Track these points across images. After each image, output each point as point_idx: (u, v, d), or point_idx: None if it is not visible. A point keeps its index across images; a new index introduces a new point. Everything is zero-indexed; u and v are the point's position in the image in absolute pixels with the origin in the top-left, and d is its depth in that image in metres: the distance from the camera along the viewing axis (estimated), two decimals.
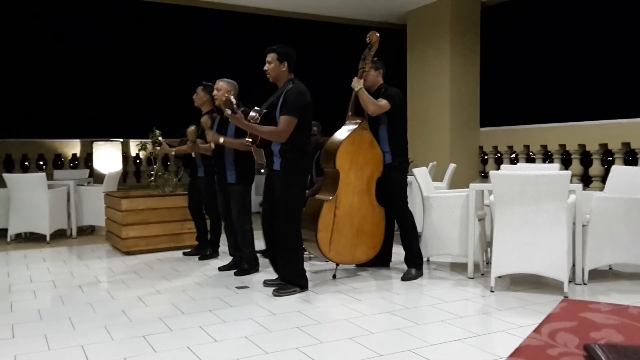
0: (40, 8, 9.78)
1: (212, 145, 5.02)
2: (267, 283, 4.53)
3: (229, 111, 4.18)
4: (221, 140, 4.78)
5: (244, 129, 4.29)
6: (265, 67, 4.31)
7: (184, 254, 5.99)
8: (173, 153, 5.90)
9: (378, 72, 4.89)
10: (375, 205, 4.83)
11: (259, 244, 5.30)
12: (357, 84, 4.75)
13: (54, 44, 9.87)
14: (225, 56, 10.20)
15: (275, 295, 4.24)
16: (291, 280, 4.33)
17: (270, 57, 4.27)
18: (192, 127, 5.43)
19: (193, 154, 5.62)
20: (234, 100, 4.26)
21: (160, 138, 5.93)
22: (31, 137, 9.14)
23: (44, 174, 6.90)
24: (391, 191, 4.85)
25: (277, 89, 4.38)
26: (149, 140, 6.05)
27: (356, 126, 4.76)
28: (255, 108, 4.34)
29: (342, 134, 4.78)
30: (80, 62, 10.11)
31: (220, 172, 5.07)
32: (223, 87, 5.00)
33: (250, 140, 4.33)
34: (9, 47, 9.50)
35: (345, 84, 4.89)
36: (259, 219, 4.61)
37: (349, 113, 4.90)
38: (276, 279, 4.52)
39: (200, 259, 5.76)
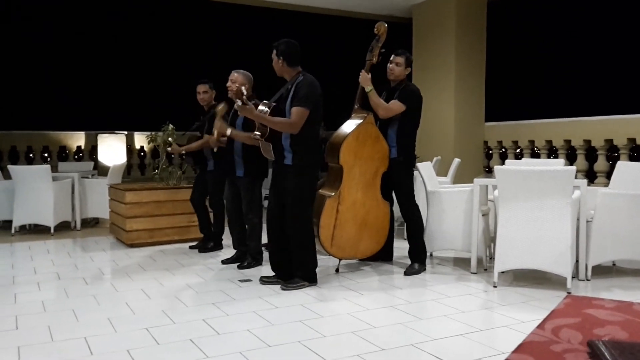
0: (46, 0, 9.78)
1: (216, 135, 4.90)
2: (264, 280, 4.47)
3: (239, 102, 4.13)
4: (228, 132, 4.72)
5: (254, 120, 4.22)
6: (273, 64, 4.32)
7: (191, 247, 5.99)
8: (183, 152, 5.85)
9: (407, 70, 4.80)
10: (380, 200, 4.82)
11: (264, 238, 5.29)
12: (367, 83, 4.68)
13: (59, 36, 9.87)
14: (230, 49, 10.18)
15: (283, 289, 4.22)
16: (303, 275, 4.31)
17: (273, 54, 4.29)
18: (222, 104, 5.04)
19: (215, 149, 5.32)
20: (244, 91, 4.21)
21: (170, 139, 5.89)
22: (36, 129, 9.16)
23: (48, 166, 6.92)
24: (396, 186, 4.83)
25: (285, 83, 4.36)
26: (160, 133, 6.03)
27: (362, 120, 4.72)
28: (264, 101, 4.32)
29: (347, 128, 4.74)
30: (85, 54, 10.10)
31: (230, 165, 5.05)
32: (238, 79, 4.88)
33: (258, 134, 4.27)
34: (14, 39, 9.50)
35: (351, 77, 4.84)
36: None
37: (356, 106, 4.86)
38: (273, 276, 4.46)
39: (200, 251, 5.77)
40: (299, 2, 9.34)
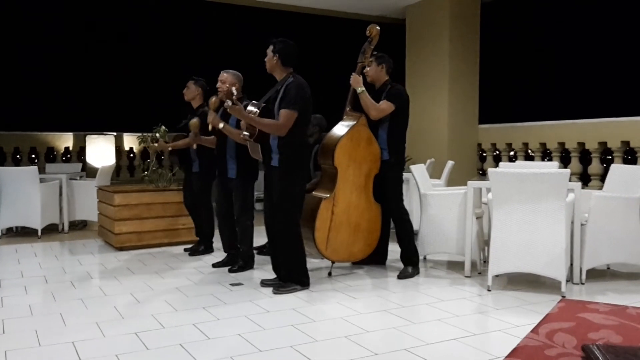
0: (33, 1, 9.68)
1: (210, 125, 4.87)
2: (264, 283, 4.46)
3: (229, 102, 4.09)
4: (221, 125, 4.66)
5: (243, 120, 4.20)
6: (265, 59, 4.29)
7: (185, 250, 5.91)
8: (170, 148, 5.81)
9: (381, 67, 4.79)
10: (373, 202, 4.79)
11: (256, 240, 5.25)
12: (358, 84, 4.66)
13: (46, 37, 9.78)
14: (221, 49, 10.13)
15: (275, 293, 4.18)
16: (292, 277, 4.27)
17: (268, 49, 4.27)
18: (195, 119, 5.26)
19: (194, 146, 5.43)
20: (234, 92, 4.16)
21: (157, 135, 5.84)
22: (23, 130, 9.05)
23: (35, 167, 6.83)
24: (387, 188, 4.80)
25: (276, 83, 4.32)
26: (150, 135, 5.96)
27: (355, 122, 4.70)
28: (254, 102, 4.29)
29: (340, 130, 4.72)
30: (74, 54, 10.02)
31: (222, 167, 4.99)
32: (228, 79, 4.87)
33: (247, 134, 4.23)
34: (1, 40, 9.40)
35: (343, 79, 4.82)
36: (259, 216, 4.54)
37: (347, 108, 4.84)
38: (274, 278, 4.45)
39: (191, 254, 5.70)
40: (290, 2, 9.30)
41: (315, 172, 5.38)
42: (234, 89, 4.19)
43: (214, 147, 5.10)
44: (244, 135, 4.23)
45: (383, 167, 4.76)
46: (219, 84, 4.92)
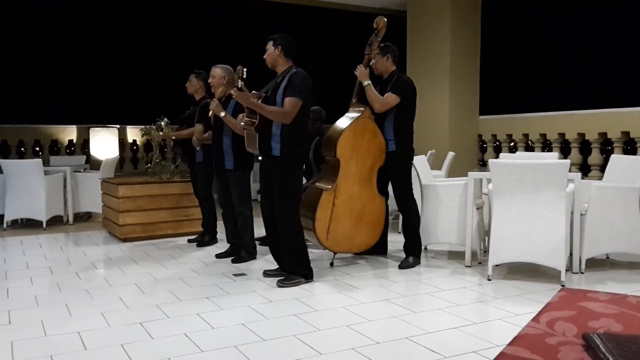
0: None
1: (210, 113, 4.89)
2: (267, 273, 4.49)
3: (240, 82, 4.03)
4: (222, 114, 4.69)
5: (249, 106, 4.17)
6: (265, 55, 4.31)
7: (189, 240, 5.96)
8: (174, 137, 5.86)
9: (386, 57, 4.78)
10: (376, 194, 4.81)
11: (258, 231, 5.28)
12: (364, 77, 4.67)
13: (50, 30, 9.79)
14: (222, 43, 10.14)
15: (279, 286, 4.19)
16: (295, 270, 4.29)
17: (268, 44, 4.29)
18: (221, 88, 5.06)
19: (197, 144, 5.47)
20: (244, 74, 4.14)
21: (162, 123, 5.88)
22: (27, 123, 9.10)
23: (40, 160, 6.88)
24: (395, 179, 4.82)
25: (275, 76, 4.34)
26: (153, 127, 6.00)
27: (359, 114, 4.71)
28: (254, 92, 4.29)
29: (344, 122, 4.73)
30: (77, 48, 10.03)
31: (218, 158, 5.03)
32: (218, 74, 4.97)
33: (248, 119, 4.22)
34: (6, 32, 9.42)
35: (347, 71, 4.82)
36: (258, 206, 4.56)
37: (353, 100, 4.85)
38: (276, 269, 4.48)
39: (198, 245, 5.75)
40: None
41: (315, 165, 5.41)
42: (244, 70, 4.14)
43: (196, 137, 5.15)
44: (247, 121, 4.21)
45: (389, 158, 4.76)
46: (210, 79, 5.03)
